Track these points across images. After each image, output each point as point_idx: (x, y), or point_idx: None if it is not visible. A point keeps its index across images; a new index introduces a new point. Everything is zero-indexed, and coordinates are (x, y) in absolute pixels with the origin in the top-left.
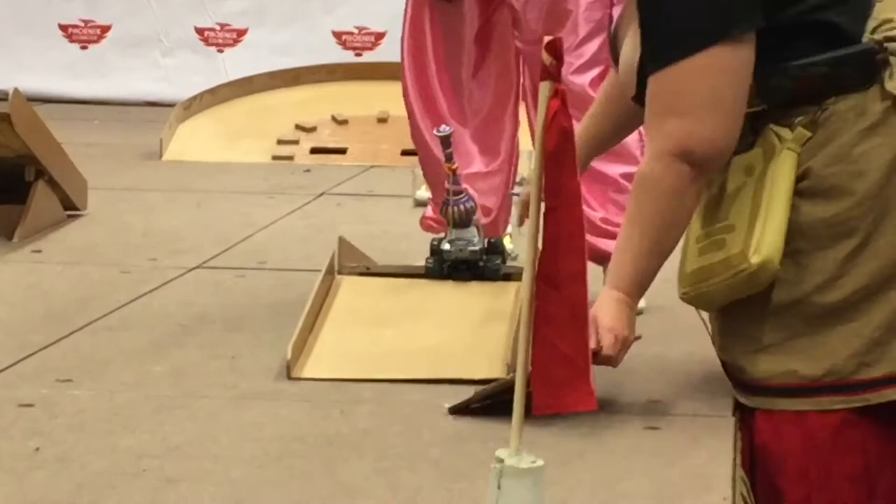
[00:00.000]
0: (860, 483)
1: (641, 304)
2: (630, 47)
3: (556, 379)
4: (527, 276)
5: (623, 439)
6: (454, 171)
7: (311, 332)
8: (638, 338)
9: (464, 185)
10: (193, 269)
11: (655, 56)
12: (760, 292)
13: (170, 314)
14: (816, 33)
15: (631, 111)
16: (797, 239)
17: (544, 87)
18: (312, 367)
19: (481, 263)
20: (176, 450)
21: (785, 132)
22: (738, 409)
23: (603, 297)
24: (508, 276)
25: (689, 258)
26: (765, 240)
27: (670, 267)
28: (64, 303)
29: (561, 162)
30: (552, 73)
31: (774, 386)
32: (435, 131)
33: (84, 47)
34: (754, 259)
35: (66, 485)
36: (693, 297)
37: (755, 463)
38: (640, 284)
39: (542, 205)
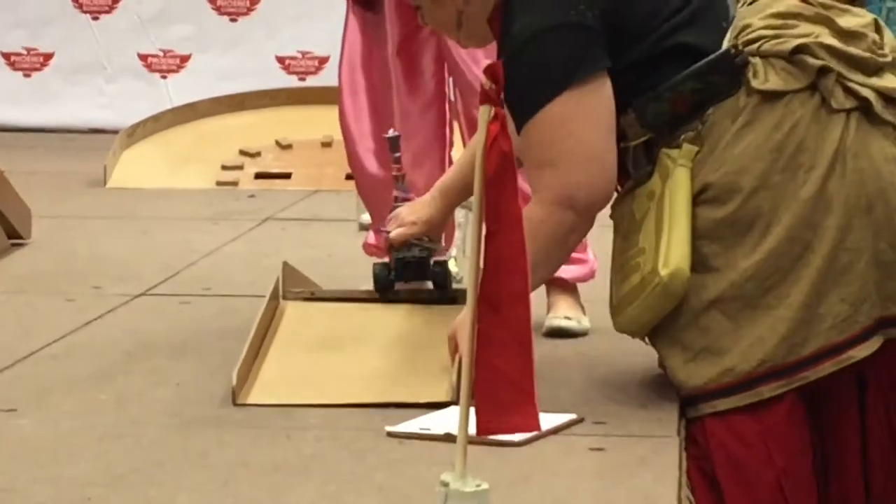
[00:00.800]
0: (813, 454)
1: (586, 324)
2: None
3: (499, 401)
4: (470, 298)
5: (568, 461)
6: (402, 177)
7: (255, 357)
8: None
9: (411, 193)
10: (138, 296)
11: (517, 114)
12: (684, 304)
13: (115, 342)
14: (676, 56)
15: None
16: (705, 244)
17: (484, 111)
18: (258, 393)
19: (432, 264)
20: (121, 479)
21: (674, 152)
22: (687, 426)
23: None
24: (454, 300)
25: (614, 291)
26: (671, 252)
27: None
28: (7, 332)
29: (501, 186)
30: (491, 98)
31: (714, 389)
32: (384, 135)
33: (27, 75)
34: (664, 271)
35: None
36: (624, 325)
37: (717, 467)
38: None
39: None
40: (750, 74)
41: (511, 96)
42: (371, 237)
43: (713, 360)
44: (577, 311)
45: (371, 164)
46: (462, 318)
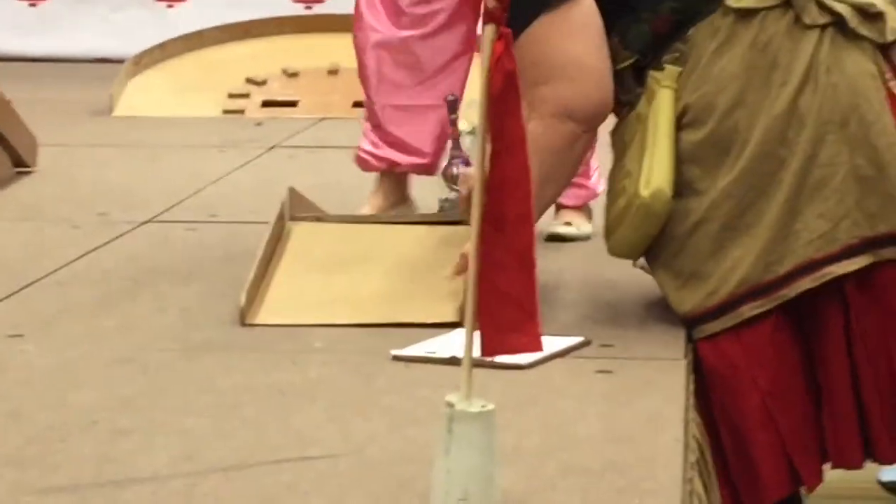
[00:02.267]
0: (801, 374)
1: (587, 230)
2: None
3: (503, 322)
4: (474, 219)
5: (575, 384)
6: (457, 139)
7: (263, 278)
8: None
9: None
10: (144, 223)
11: (513, 30)
12: (672, 229)
13: (120, 268)
14: None
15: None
16: (689, 167)
17: (488, 31)
18: (265, 313)
19: None
20: (127, 402)
21: (659, 74)
22: (693, 349)
23: None
24: (460, 221)
25: (606, 216)
26: (653, 173)
27: None
28: (14, 259)
29: (505, 105)
30: (496, 16)
31: (701, 313)
32: (445, 98)
33: (32, 4)
34: (645, 192)
35: (15, 439)
36: (615, 248)
37: (710, 391)
38: None
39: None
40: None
41: (510, 12)
42: (365, 142)
43: (699, 284)
44: (580, 218)
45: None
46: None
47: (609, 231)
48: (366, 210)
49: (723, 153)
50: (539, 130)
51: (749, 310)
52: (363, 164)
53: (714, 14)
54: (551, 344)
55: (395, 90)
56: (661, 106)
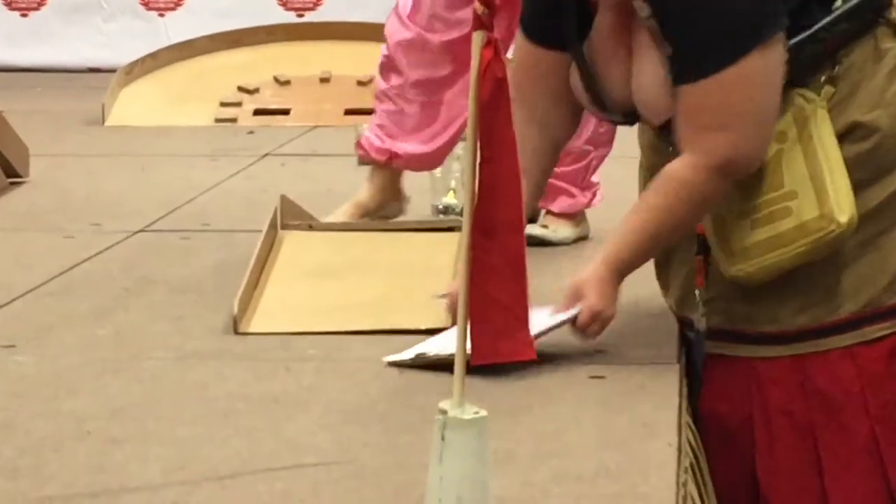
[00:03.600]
0: None
1: (565, 233)
2: (647, 76)
3: (494, 329)
4: (465, 226)
5: (568, 390)
6: None
7: (255, 287)
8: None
9: None
10: (137, 232)
11: (692, 69)
12: None
13: (113, 278)
14: None
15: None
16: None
17: (477, 37)
18: (258, 322)
19: None
20: (120, 411)
21: (810, 93)
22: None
23: (593, 272)
24: (452, 228)
25: (739, 235)
26: (842, 198)
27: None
28: (6, 269)
29: (495, 112)
30: (485, 23)
31: (817, 328)
32: None
33: (24, 14)
34: (842, 218)
35: (9, 451)
36: (756, 271)
37: (811, 410)
38: (631, 268)
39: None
40: (893, 15)
41: (688, 47)
42: (369, 135)
43: (822, 297)
44: (560, 222)
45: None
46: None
47: (753, 254)
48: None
49: (881, 172)
50: (699, 180)
51: (873, 331)
52: (363, 156)
53: (871, 38)
54: (542, 318)
55: (417, 87)
56: (825, 127)
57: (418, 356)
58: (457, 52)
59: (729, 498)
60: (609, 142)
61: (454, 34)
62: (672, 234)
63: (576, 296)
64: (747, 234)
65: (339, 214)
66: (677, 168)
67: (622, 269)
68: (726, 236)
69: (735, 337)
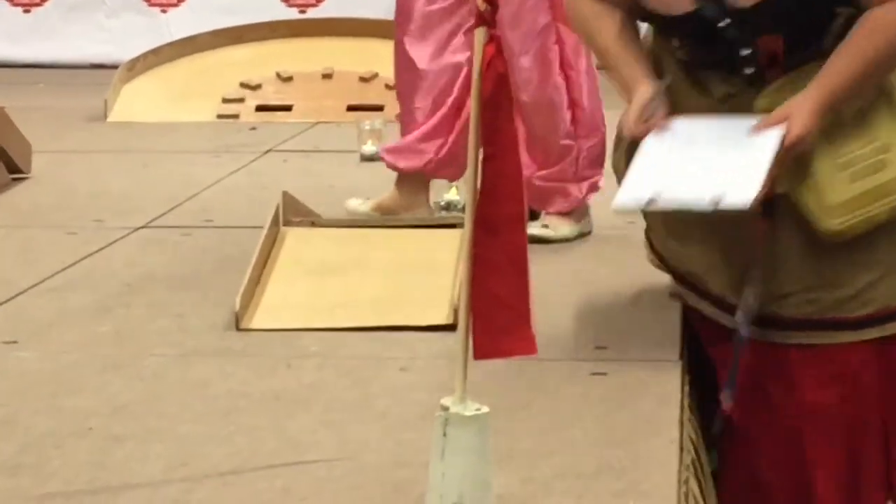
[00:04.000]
0: None
1: (564, 232)
2: None
3: (495, 325)
4: (468, 223)
5: (570, 386)
6: None
7: (258, 283)
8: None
9: None
10: (139, 228)
11: None
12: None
13: (115, 274)
14: None
15: None
16: None
17: (479, 34)
18: (260, 318)
19: None
20: (122, 409)
21: None
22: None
23: (804, 100)
24: (453, 225)
25: (833, 188)
26: None
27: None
28: (9, 265)
29: (497, 108)
30: (486, 19)
31: (884, 314)
32: None
33: (27, 10)
34: None
35: (11, 447)
36: (852, 226)
37: (847, 394)
38: (837, 106)
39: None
40: None
41: None
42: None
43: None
44: (560, 221)
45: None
46: None
47: (849, 209)
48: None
49: None
50: None
51: None
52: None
53: None
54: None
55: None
56: None
57: (650, 202)
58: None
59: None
60: (594, 130)
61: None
62: (882, 74)
63: (780, 118)
64: (843, 188)
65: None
66: (884, 12)
67: (832, 105)
68: (818, 190)
69: (826, 325)
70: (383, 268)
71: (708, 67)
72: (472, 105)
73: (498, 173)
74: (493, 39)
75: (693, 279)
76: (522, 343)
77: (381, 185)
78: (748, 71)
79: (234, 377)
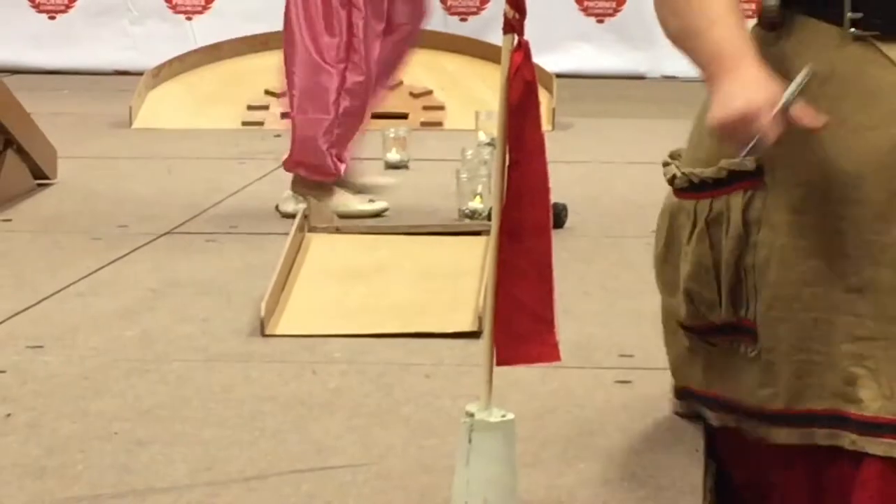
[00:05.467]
0: None
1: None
2: None
3: (519, 332)
4: (494, 229)
5: (594, 394)
6: None
7: (283, 289)
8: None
9: None
10: (164, 234)
11: None
12: None
13: (140, 279)
14: None
15: None
16: None
17: (506, 41)
18: (286, 324)
19: None
20: (147, 413)
21: None
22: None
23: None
24: (478, 233)
25: None
26: None
27: (631, 217)
28: (34, 270)
29: (524, 114)
30: (514, 26)
31: None
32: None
33: (52, 17)
34: None
35: (36, 450)
36: None
37: None
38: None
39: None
40: None
41: None
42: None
43: None
44: None
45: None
46: None
47: None
48: None
49: None
50: None
51: None
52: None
53: None
54: None
55: None
56: None
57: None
58: None
59: None
60: None
61: None
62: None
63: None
64: None
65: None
66: None
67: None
68: None
69: None
70: (408, 274)
71: None
72: (499, 112)
73: (524, 180)
74: (521, 46)
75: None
76: (546, 350)
77: (405, 192)
78: None
79: (259, 382)
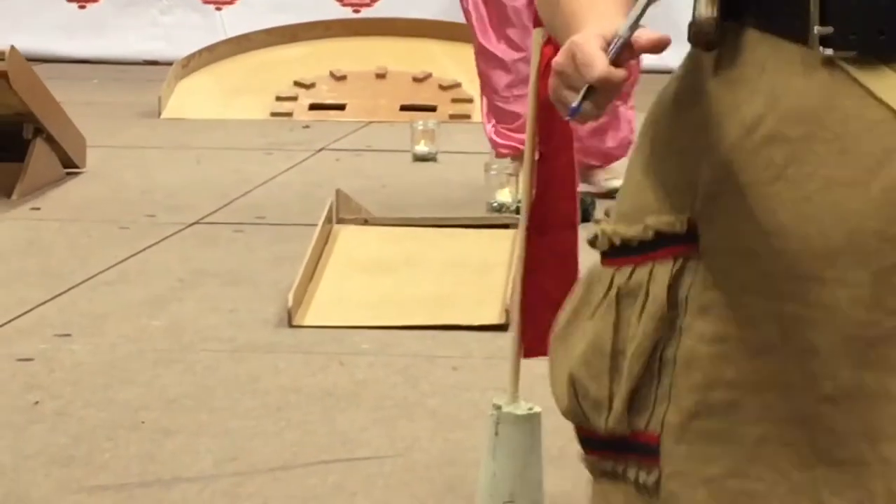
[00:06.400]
0: None
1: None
2: None
3: (546, 323)
4: (522, 221)
5: None
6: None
7: (310, 280)
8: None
9: None
10: (192, 224)
11: None
12: None
13: (168, 269)
14: None
15: None
16: None
17: (537, 34)
18: (313, 315)
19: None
20: (173, 402)
21: None
22: None
23: None
24: (506, 226)
25: None
26: None
27: None
28: (62, 259)
29: (553, 108)
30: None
31: None
32: None
33: (82, 6)
34: None
35: (63, 438)
36: None
37: None
38: None
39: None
40: None
41: None
42: (491, 132)
43: None
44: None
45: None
46: None
47: None
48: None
49: None
50: None
51: None
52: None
53: None
54: None
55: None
56: None
57: None
58: None
59: None
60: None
61: None
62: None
63: None
64: None
65: None
66: None
67: None
68: None
69: None
70: (436, 267)
71: None
72: (528, 105)
73: (552, 173)
74: (552, 40)
75: None
76: None
77: (432, 185)
78: None
79: (286, 373)
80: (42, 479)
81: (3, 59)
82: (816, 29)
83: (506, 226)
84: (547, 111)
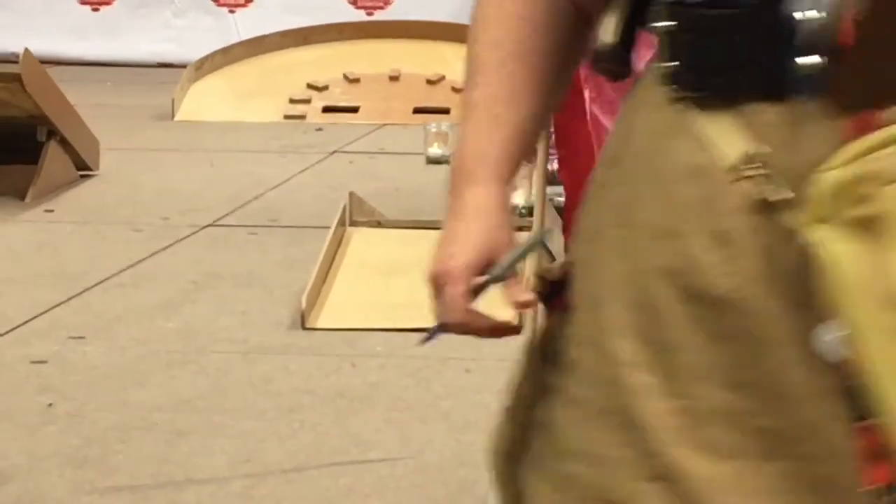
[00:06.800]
0: None
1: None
2: None
3: None
4: (536, 223)
5: None
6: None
7: (323, 283)
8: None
9: None
10: (205, 227)
11: None
12: None
13: (181, 271)
14: None
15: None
16: None
17: None
18: (326, 317)
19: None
20: (186, 404)
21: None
22: None
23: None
24: (519, 228)
25: None
26: None
27: None
28: (76, 261)
29: (569, 112)
30: None
31: None
32: None
33: (95, 9)
34: None
35: (77, 439)
36: None
37: None
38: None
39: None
40: None
41: None
42: None
43: None
44: None
45: None
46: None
47: None
48: None
49: None
50: None
51: None
52: None
53: None
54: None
55: None
56: None
57: None
58: None
59: None
60: None
61: None
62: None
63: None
64: None
65: None
66: None
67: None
68: None
69: None
70: None
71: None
72: None
73: (578, 172)
74: None
75: None
76: None
77: (446, 187)
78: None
79: (299, 375)
80: (56, 481)
81: (16, 62)
82: (662, 64)
83: (519, 228)
84: (560, 115)
